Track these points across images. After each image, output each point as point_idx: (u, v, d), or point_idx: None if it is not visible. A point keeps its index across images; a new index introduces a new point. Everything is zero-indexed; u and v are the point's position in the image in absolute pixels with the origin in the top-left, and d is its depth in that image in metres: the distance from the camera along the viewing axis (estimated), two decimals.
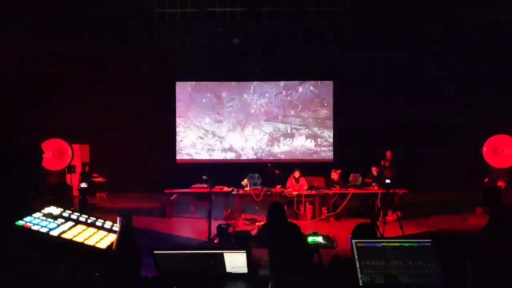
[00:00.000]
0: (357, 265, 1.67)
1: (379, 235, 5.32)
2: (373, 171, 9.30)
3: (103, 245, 1.56)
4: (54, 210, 1.74)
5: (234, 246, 2.83)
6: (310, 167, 10.68)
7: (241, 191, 8.97)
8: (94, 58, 12.00)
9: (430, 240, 1.72)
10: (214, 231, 6.68)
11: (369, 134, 11.86)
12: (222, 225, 5.04)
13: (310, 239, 4.55)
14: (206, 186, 8.53)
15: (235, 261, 1.72)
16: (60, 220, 1.68)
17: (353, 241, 1.72)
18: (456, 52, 11.68)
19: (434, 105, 12.09)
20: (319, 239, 4.58)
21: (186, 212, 9.14)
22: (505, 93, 11.18)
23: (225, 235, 4.83)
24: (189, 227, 8.12)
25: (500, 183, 9.10)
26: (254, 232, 5.00)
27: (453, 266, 2.09)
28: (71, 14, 11.14)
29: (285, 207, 8.62)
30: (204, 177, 8.23)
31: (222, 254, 1.71)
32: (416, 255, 1.69)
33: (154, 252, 1.69)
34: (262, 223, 5.48)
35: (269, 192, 8.85)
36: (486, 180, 9.51)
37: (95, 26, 11.42)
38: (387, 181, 6.71)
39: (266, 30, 12.34)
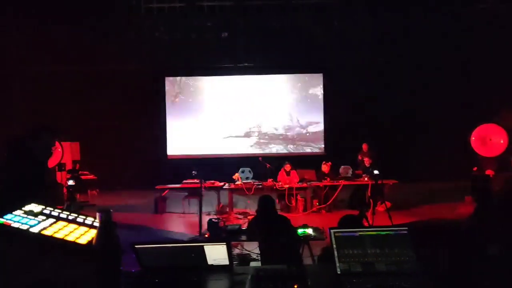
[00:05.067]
0: (336, 254, 1.70)
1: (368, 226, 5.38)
2: (365, 162, 9.35)
3: (83, 240, 1.58)
4: (35, 207, 1.75)
5: (214, 239, 2.86)
6: (301, 160, 10.74)
7: (232, 186, 9.01)
8: (82, 55, 11.91)
9: (406, 228, 1.76)
10: (205, 225, 6.72)
11: (359, 126, 11.92)
12: (213, 220, 5.06)
13: (299, 231, 4.62)
14: (197, 181, 8.55)
15: (216, 254, 1.75)
16: (41, 217, 1.69)
17: (332, 231, 1.75)
18: (444, 43, 11.75)
19: (422, 96, 12.17)
20: (309, 231, 4.65)
21: (177, 207, 9.16)
22: (493, 82, 11.30)
23: (216, 229, 4.85)
24: (181, 222, 8.15)
25: (489, 172, 9.22)
26: (245, 226, 5.04)
27: (434, 254, 2.14)
28: (57, 12, 11.02)
29: (277, 200, 8.74)
30: (194, 172, 8.25)
31: (202, 247, 1.73)
32: (392, 243, 1.73)
33: (135, 246, 1.71)
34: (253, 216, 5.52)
35: (260, 186, 8.90)
36: (475, 169, 9.62)
37: (82, 22, 11.32)
38: (375, 172, 6.77)
39: (255, 24, 12.30)
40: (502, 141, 9.40)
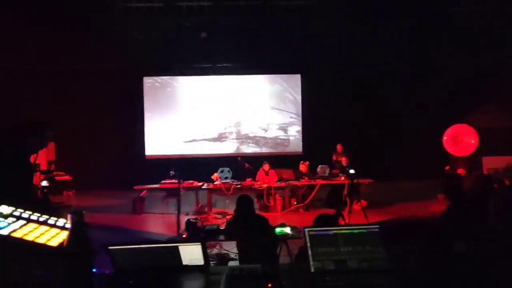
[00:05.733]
0: (309, 253, 1.73)
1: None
2: (342, 162, 9.48)
3: (54, 242, 1.55)
4: (5, 209, 1.71)
5: (189, 239, 2.85)
6: (279, 160, 10.79)
7: (211, 185, 8.98)
8: (59, 54, 11.64)
9: (378, 226, 1.80)
10: (184, 226, 6.68)
11: (336, 126, 12.04)
12: (191, 220, 5.03)
13: (277, 230, 4.64)
14: (175, 181, 8.49)
15: (191, 254, 1.75)
16: (11, 219, 1.65)
17: (306, 230, 1.78)
18: (418, 45, 11.98)
19: (397, 97, 12.42)
20: (287, 230, 4.67)
21: (156, 208, 9.07)
22: (465, 83, 11.62)
23: (193, 229, 4.82)
24: (159, 223, 8.07)
25: (460, 171, 9.48)
26: (223, 226, 5.03)
27: (406, 251, 2.19)
28: (33, 9, 10.74)
29: (255, 199, 8.77)
30: (171, 172, 8.18)
31: (177, 247, 1.73)
32: (364, 241, 1.77)
33: (109, 248, 1.70)
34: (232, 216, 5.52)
35: (239, 186, 8.90)
36: (447, 168, 9.88)
37: (59, 20, 11.06)
38: (351, 171, 6.87)
39: (234, 24, 12.27)
40: (473, 141, 9.68)
